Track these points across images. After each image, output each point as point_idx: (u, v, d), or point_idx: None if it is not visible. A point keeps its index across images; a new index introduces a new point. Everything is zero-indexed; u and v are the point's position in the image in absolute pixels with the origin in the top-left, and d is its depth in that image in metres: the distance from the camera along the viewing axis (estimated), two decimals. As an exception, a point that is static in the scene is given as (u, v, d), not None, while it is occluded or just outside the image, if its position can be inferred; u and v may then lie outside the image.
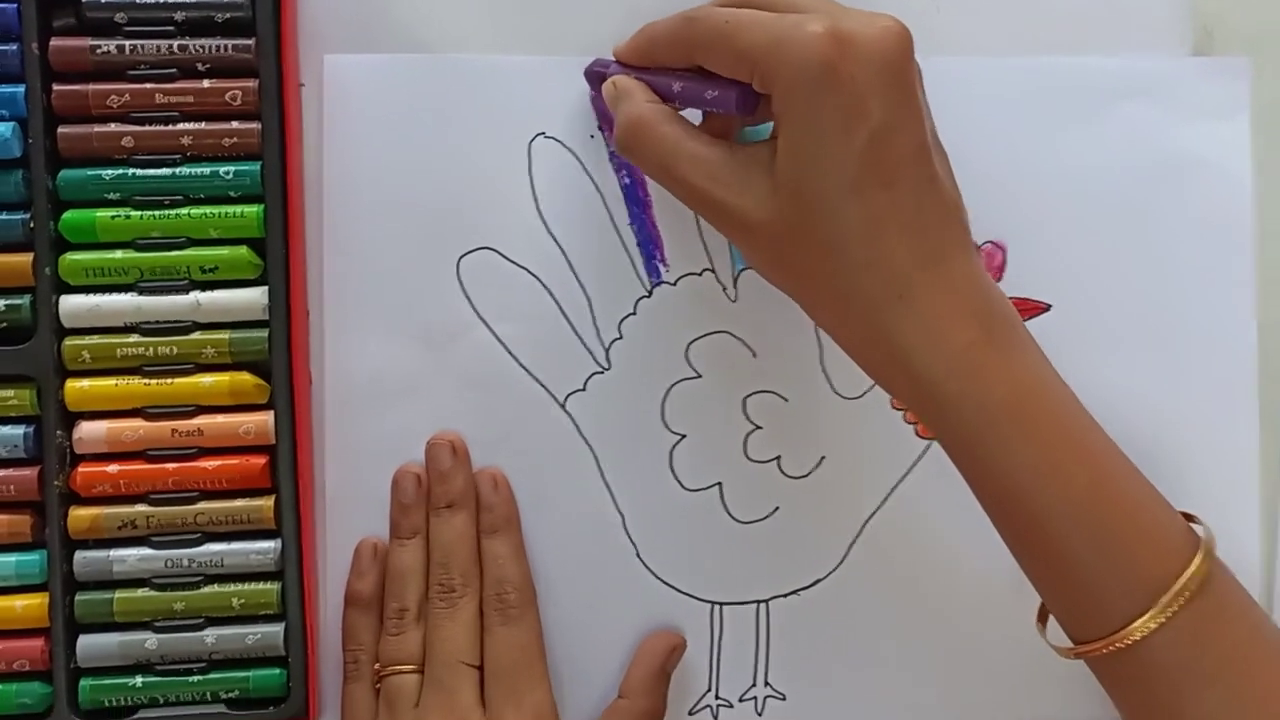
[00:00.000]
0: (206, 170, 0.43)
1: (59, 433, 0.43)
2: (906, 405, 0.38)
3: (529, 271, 0.46)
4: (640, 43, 0.41)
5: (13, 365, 0.43)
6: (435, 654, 0.43)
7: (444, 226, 0.45)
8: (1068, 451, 0.37)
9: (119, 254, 0.43)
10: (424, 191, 0.45)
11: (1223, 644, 0.36)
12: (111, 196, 0.43)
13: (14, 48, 0.42)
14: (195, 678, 0.43)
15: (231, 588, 0.43)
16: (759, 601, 0.47)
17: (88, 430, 0.43)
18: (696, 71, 0.39)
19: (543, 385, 0.46)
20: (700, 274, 0.46)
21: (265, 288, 0.43)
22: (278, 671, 0.44)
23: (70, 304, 0.43)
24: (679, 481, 0.46)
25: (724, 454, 0.46)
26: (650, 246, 0.46)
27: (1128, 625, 0.36)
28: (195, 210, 0.43)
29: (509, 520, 0.45)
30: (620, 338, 0.46)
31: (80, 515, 0.43)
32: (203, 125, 0.43)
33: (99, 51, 0.42)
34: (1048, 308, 0.46)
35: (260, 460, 0.43)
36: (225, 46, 0.43)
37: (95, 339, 0.43)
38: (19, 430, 0.43)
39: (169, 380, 0.43)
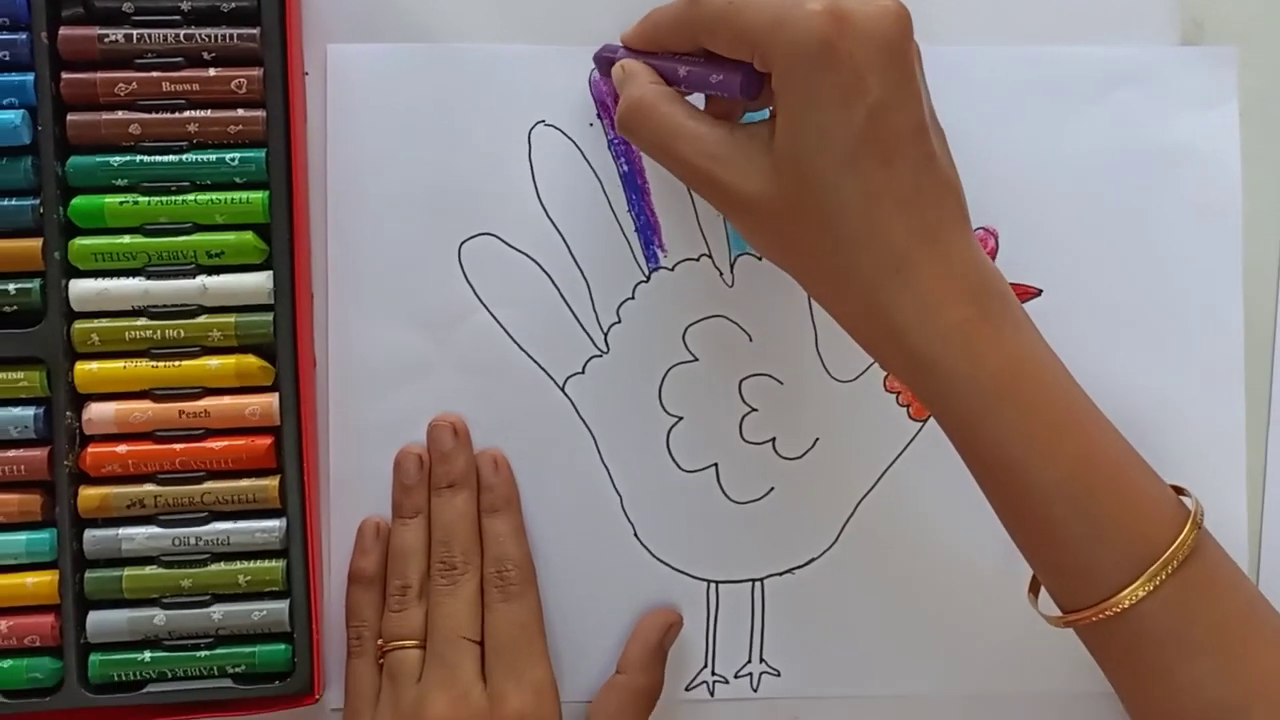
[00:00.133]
0: (212, 157, 0.43)
1: (68, 414, 0.43)
2: (901, 379, 0.38)
3: (529, 257, 0.46)
4: (647, 27, 0.41)
5: (23, 348, 0.43)
6: (437, 630, 0.43)
7: (446, 213, 0.46)
8: (1059, 424, 0.37)
9: (127, 239, 0.43)
10: (426, 178, 0.46)
11: (1210, 613, 0.37)
12: (119, 183, 0.43)
13: (24, 37, 0.42)
14: (202, 653, 0.44)
15: (237, 565, 0.44)
16: (754, 580, 0.47)
17: (97, 411, 0.44)
18: (703, 56, 0.39)
19: (543, 368, 0.46)
20: (697, 259, 0.47)
21: (270, 272, 0.44)
22: (283, 647, 0.44)
23: (79, 288, 0.43)
24: (676, 462, 0.47)
25: (720, 435, 0.47)
26: (648, 232, 0.46)
27: (1117, 594, 0.36)
28: (202, 196, 0.43)
29: (509, 500, 0.45)
30: (619, 322, 0.46)
31: (89, 494, 0.43)
32: (209, 113, 0.43)
33: (107, 40, 0.43)
34: (1039, 292, 0.47)
35: (265, 441, 0.44)
36: (231, 36, 0.43)
37: (104, 322, 0.43)
38: (29, 411, 0.43)
39: (176, 363, 0.44)
